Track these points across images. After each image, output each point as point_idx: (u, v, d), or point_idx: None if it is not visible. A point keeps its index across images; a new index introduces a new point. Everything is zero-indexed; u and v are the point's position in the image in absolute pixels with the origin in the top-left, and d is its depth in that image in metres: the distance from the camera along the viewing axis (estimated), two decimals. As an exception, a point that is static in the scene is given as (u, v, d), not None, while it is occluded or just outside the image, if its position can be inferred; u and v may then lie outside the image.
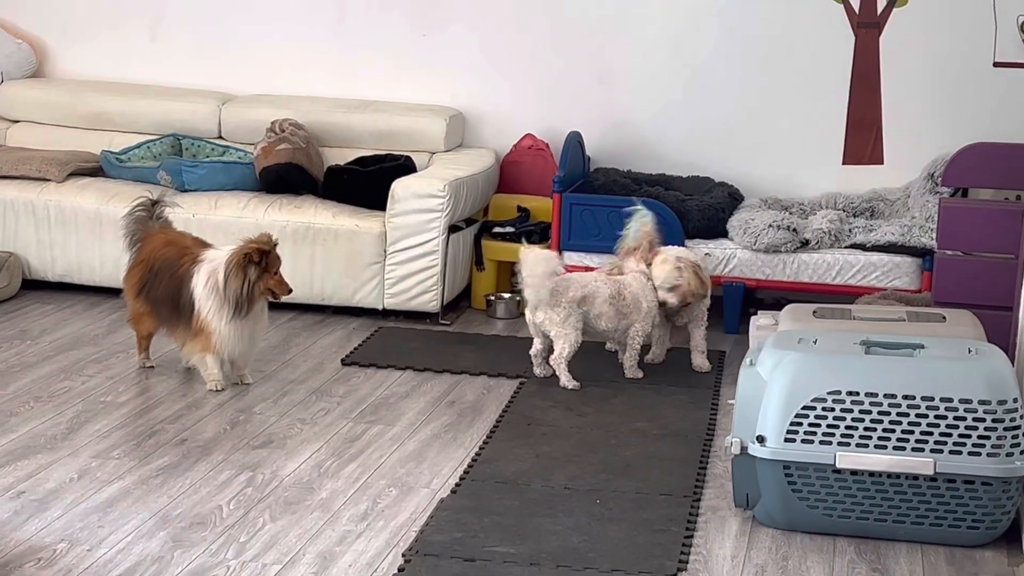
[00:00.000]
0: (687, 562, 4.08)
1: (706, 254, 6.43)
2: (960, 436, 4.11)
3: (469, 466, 4.77)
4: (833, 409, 4.18)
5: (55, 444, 4.86)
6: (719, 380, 5.76)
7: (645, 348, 5.88)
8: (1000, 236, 5.49)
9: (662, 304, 5.73)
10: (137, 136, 7.24)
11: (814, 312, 5.05)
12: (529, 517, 4.33)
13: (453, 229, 6.55)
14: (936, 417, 4.12)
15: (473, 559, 4.02)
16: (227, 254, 5.39)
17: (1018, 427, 4.10)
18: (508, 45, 7.21)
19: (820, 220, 6.44)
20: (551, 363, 5.61)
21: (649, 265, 5.74)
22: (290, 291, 5.50)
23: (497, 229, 6.85)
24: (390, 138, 7.07)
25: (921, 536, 4.23)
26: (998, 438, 4.09)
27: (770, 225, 6.36)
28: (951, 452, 4.12)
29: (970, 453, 4.11)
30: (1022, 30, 6.61)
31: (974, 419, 4.10)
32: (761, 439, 4.24)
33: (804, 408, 4.19)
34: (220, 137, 7.27)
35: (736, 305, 6.46)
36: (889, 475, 4.17)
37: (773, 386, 4.24)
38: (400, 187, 6.46)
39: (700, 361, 5.87)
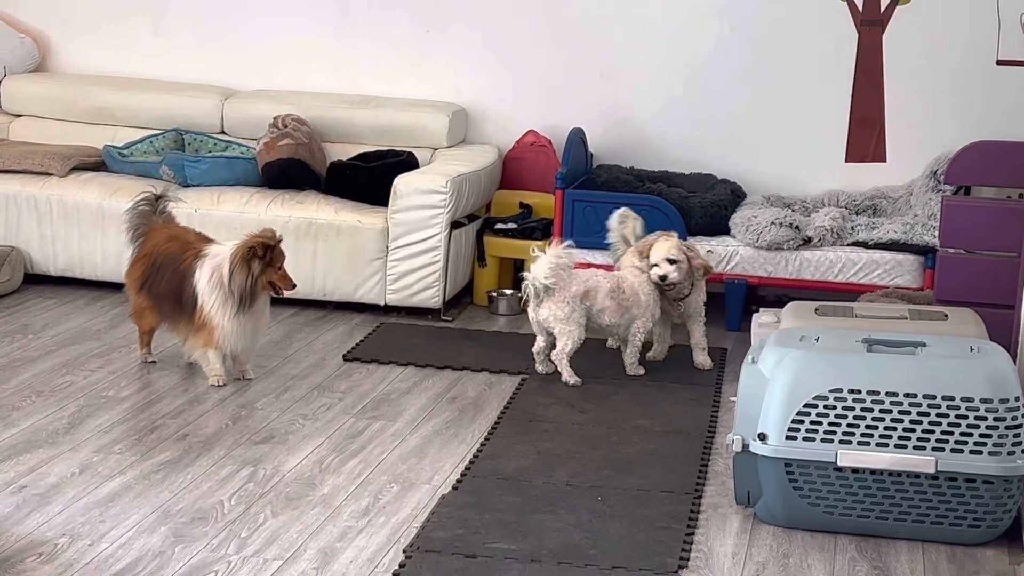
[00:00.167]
0: (688, 559, 4.08)
1: (708, 251, 6.42)
2: (962, 434, 4.11)
3: (470, 462, 4.77)
4: (835, 407, 4.18)
5: (57, 439, 4.86)
6: (721, 377, 5.76)
7: (647, 346, 5.88)
8: (1002, 234, 5.49)
9: (665, 286, 5.70)
10: (140, 131, 7.24)
11: (816, 310, 5.05)
12: (530, 514, 4.33)
13: (455, 225, 6.54)
14: (938, 415, 4.12)
15: (474, 555, 4.03)
16: (231, 249, 5.39)
17: (1020, 425, 4.10)
18: (511, 41, 7.21)
19: (822, 217, 6.44)
20: (553, 359, 5.61)
21: (644, 257, 5.74)
22: (294, 286, 5.50)
23: (499, 225, 6.84)
24: (393, 134, 7.07)
25: (922, 534, 4.23)
26: (1000, 436, 4.09)
27: (772, 222, 6.35)
28: (952, 450, 4.12)
29: (972, 451, 4.11)
30: (1026, 28, 6.61)
31: (976, 417, 4.10)
32: (763, 436, 4.24)
33: (806, 406, 4.19)
34: (223, 132, 7.27)
35: (738, 302, 6.46)
36: (890, 473, 4.17)
37: (775, 384, 4.24)
38: (402, 183, 6.46)
39: (702, 359, 5.87)
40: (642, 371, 5.74)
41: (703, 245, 6.44)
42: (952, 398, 4.11)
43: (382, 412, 5.27)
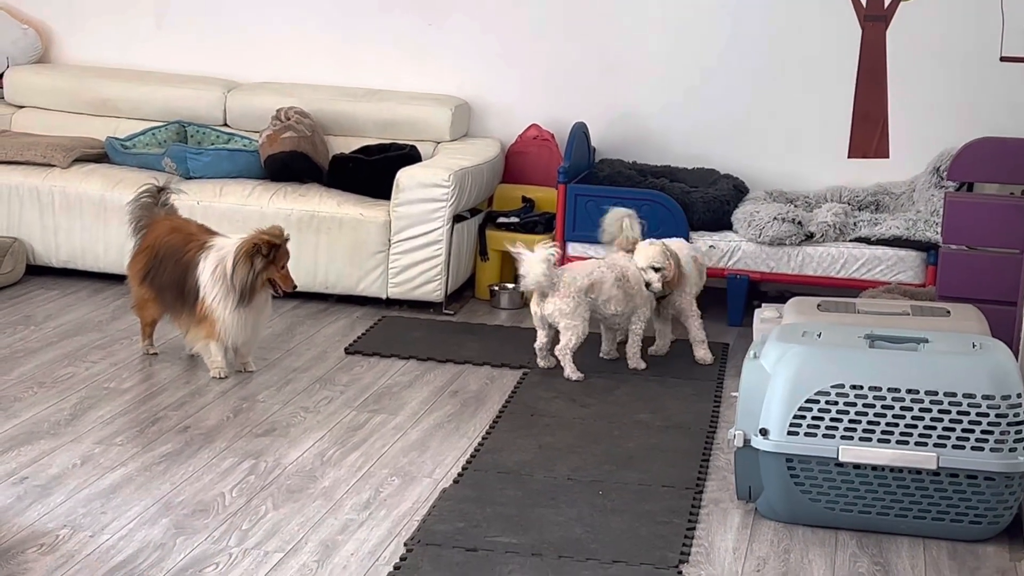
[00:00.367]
0: (689, 554, 4.08)
1: (710, 246, 6.42)
2: (963, 431, 4.11)
3: (472, 456, 4.77)
4: (836, 402, 4.17)
5: (58, 430, 4.86)
6: (722, 372, 5.75)
7: (649, 341, 5.88)
8: (1005, 231, 5.49)
9: (646, 285, 5.72)
10: (142, 123, 7.24)
11: (818, 305, 5.04)
12: (531, 508, 4.33)
13: (457, 219, 6.54)
14: (940, 411, 4.11)
15: (475, 549, 4.03)
16: (237, 243, 5.39)
17: (1021, 422, 4.09)
18: (514, 35, 7.20)
19: (825, 213, 6.43)
20: (556, 353, 5.61)
21: (631, 252, 5.75)
22: (294, 287, 5.50)
23: (502, 219, 6.84)
24: (395, 127, 7.07)
25: (923, 530, 4.23)
26: (1001, 433, 4.09)
27: (775, 218, 6.35)
28: (954, 447, 4.12)
29: (973, 448, 4.10)
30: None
31: (978, 414, 4.09)
32: (764, 432, 4.24)
33: (808, 401, 4.19)
34: (225, 124, 7.27)
35: (740, 298, 6.46)
36: (892, 469, 4.17)
37: (777, 379, 4.24)
38: (405, 176, 6.46)
39: (702, 353, 5.87)
40: (643, 365, 5.74)
41: (705, 240, 6.44)
42: (954, 394, 4.11)
43: (383, 405, 5.27)
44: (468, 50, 7.26)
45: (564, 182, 6.55)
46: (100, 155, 7.02)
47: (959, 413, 4.11)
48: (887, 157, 6.91)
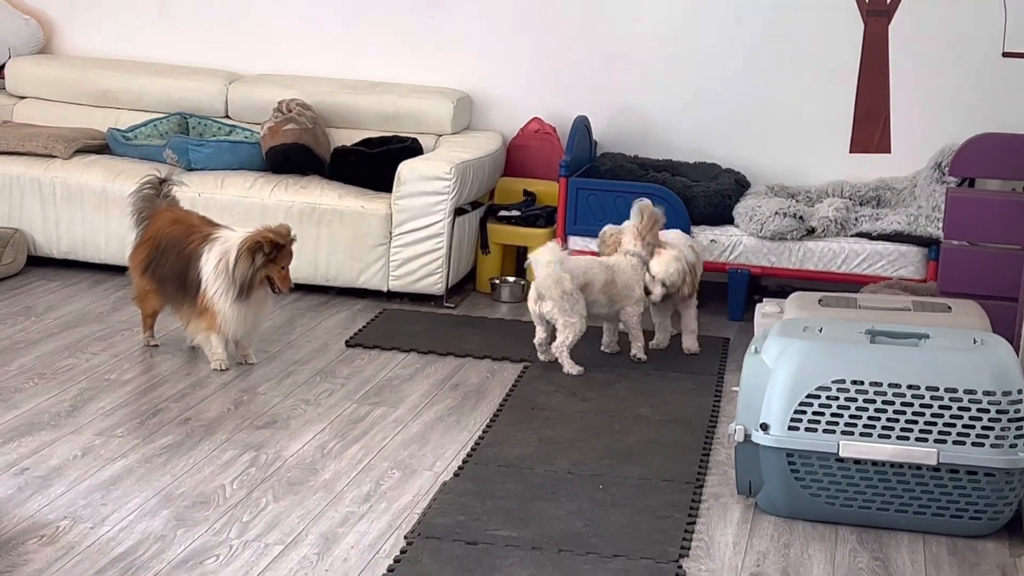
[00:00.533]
0: (689, 548, 4.08)
1: (711, 240, 6.42)
2: (964, 427, 4.11)
3: (472, 449, 4.77)
4: (837, 398, 4.18)
5: (59, 421, 4.86)
6: (723, 367, 5.75)
7: (649, 334, 5.88)
8: (1006, 227, 5.49)
9: (647, 292, 5.72)
10: (144, 114, 7.23)
11: (819, 300, 5.05)
12: (532, 501, 4.34)
13: (459, 212, 6.54)
14: (940, 407, 4.12)
15: (475, 542, 4.03)
16: (242, 237, 5.39)
17: (1022, 418, 4.09)
18: (516, 28, 7.20)
19: (826, 208, 6.43)
20: (553, 350, 5.61)
21: (647, 243, 5.72)
22: (291, 289, 5.49)
23: (503, 213, 6.84)
24: (397, 120, 7.06)
25: (923, 526, 4.24)
26: (1002, 429, 4.09)
27: (776, 212, 6.35)
28: (955, 442, 4.12)
29: (974, 444, 4.11)
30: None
31: (978, 410, 4.10)
32: (765, 427, 4.24)
33: (808, 396, 4.19)
34: (227, 116, 7.26)
35: (741, 292, 6.46)
36: (892, 464, 4.17)
37: (778, 374, 4.24)
38: (406, 169, 6.45)
39: (689, 343, 5.88)
40: (644, 357, 5.73)
41: (706, 234, 6.44)
42: (955, 390, 4.11)
43: (384, 398, 5.27)
44: (470, 43, 7.26)
45: (565, 175, 6.55)
46: (101, 146, 7.02)
47: (960, 409, 4.11)
48: (889, 152, 6.90)
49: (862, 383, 4.16)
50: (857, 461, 4.19)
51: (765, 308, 5.45)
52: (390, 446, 4.79)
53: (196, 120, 7.19)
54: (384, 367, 5.63)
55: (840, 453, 4.18)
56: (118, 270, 6.38)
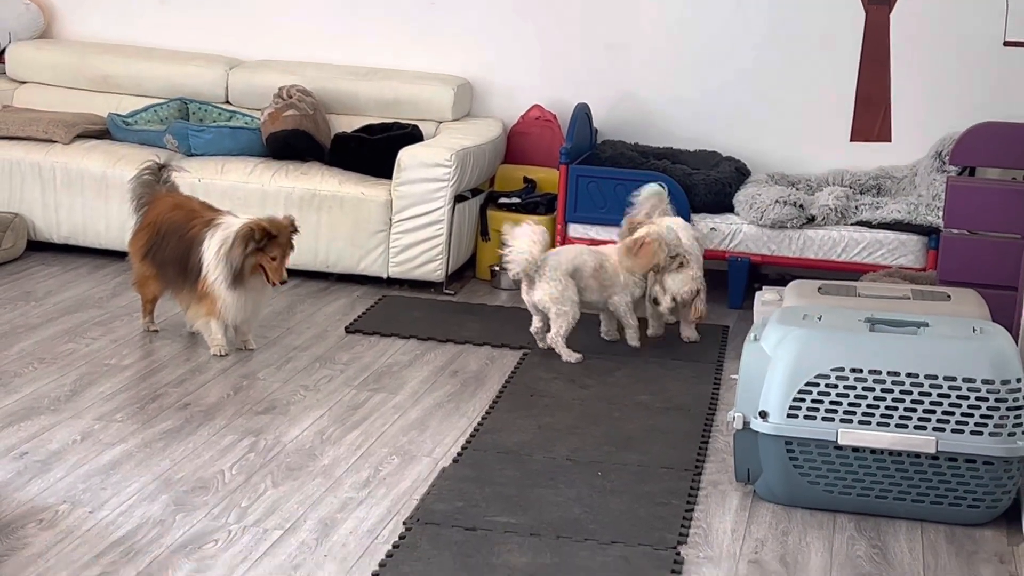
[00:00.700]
0: (687, 535, 4.09)
1: (712, 228, 6.42)
2: (963, 415, 4.11)
3: (471, 436, 4.78)
4: (836, 386, 4.18)
5: (58, 406, 4.87)
6: (722, 355, 5.76)
7: (646, 323, 5.88)
8: (1006, 215, 5.48)
9: (654, 302, 5.72)
10: (144, 99, 7.23)
11: (819, 288, 5.04)
12: (530, 488, 4.34)
13: (459, 199, 6.54)
14: (939, 395, 4.12)
15: (474, 528, 4.03)
16: (240, 223, 5.38)
17: (1021, 407, 4.10)
18: (517, 15, 7.18)
19: (826, 197, 6.43)
20: (549, 341, 5.61)
21: (668, 257, 5.68)
22: (283, 281, 5.41)
23: (503, 200, 6.84)
24: (397, 106, 7.06)
25: (921, 514, 4.24)
26: (1000, 417, 4.09)
27: (776, 201, 6.35)
28: (953, 431, 4.12)
29: (972, 432, 4.11)
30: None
31: (977, 398, 4.10)
32: (764, 414, 4.24)
33: (807, 384, 4.19)
34: (227, 102, 7.26)
35: (741, 280, 6.46)
36: (891, 453, 4.18)
37: (777, 362, 4.24)
38: (407, 156, 6.45)
39: (689, 332, 5.88)
40: (637, 344, 5.72)
41: (707, 222, 6.44)
42: (954, 378, 4.11)
43: (383, 384, 5.28)
44: (471, 30, 7.25)
45: (566, 163, 6.54)
46: (102, 131, 7.02)
47: (958, 397, 4.11)
48: (889, 141, 6.90)
49: (861, 371, 4.16)
50: (856, 449, 4.20)
51: (764, 296, 5.45)
52: (389, 432, 4.80)
53: (196, 106, 7.18)
54: (384, 353, 5.63)
55: (839, 441, 4.18)
56: (118, 255, 6.38)
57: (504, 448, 4.67)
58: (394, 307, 6.26)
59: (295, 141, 6.73)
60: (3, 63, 7.51)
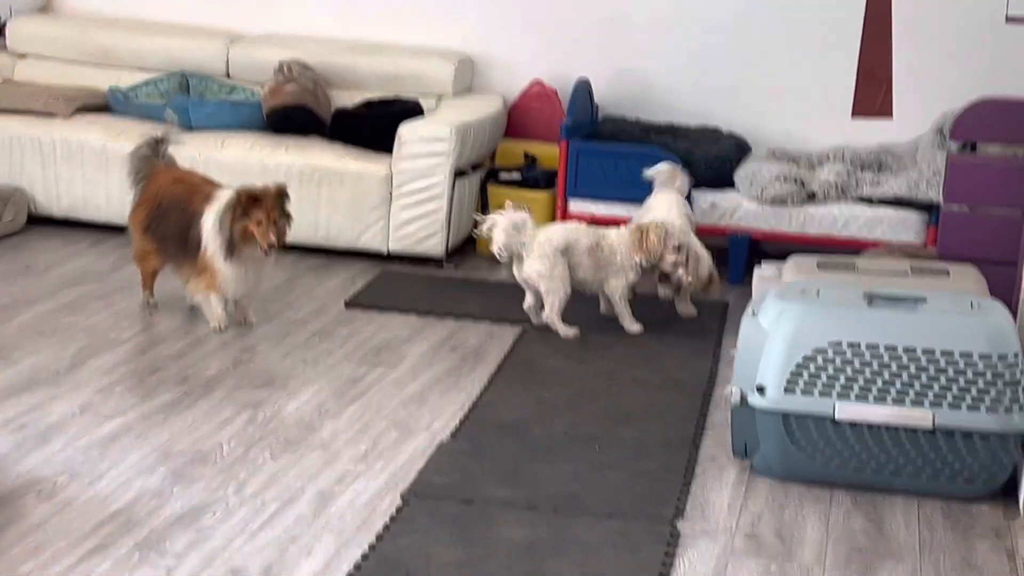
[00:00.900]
0: (684, 509, 4.10)
1: (712, 203, 6.42)
2: (960, 390, 4.12)
3: (470, 410, 4.78)
4: (833, 360, 4.18)
5: (58, 379, 4.88)
6: (721, 331, 5.76)
7: (645, 300, 5.88)
8: (1006, 191, 5.48)
9: (664, 276, 5.71)
10: (145, 73, 7.22)
11: (818, 264, 5.05)
12: (528, 462, 4.35)
13: (459, 174, 6.53)
14: (936, 370, 4.12)
15: (471, 501, 4.04)
16: (231, 192, 5.38)
17: (1018, 382, 4.10)
18: (519, -10, 7.18)
19: (827, 173, 6.42)
20: (544, 319, 5.61)
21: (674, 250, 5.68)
22: (271, 244, 5.31)
23: (503, 175, 6.83)
24: (398, 81, 7.05)
25: (918, 488, 4.25)
26: (997, 392, 4.10)
27: (777, 177, 6.34)
28: (950, 406, 4.12)
29: (969, 407, 4.11)
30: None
31: (974, 373, 4.10)
32: (761, 389, 4.25)
33: (804, 359, 4.20)
34: (228, 76, 7.25)
35: (741, 256, 6.46)
36: (888, 428, 4.18)
37: (774, 336, 4.24)
38: (407, 131, 6.45)
39: (684, 308, 5.88)
40: (638, 328, 5.71)
41: (707, 198, 6.43)
42: (951, 353, 4.11)
43: (383, 359, 5.28)
44: (472, 4, 7.23)
45: (566, 138, 6.54)
46: (102, 105, 7.02)
47: (956, 372, 4.11)
48: (891, 117, 6.89)
49: (859, 346, 4.17)
50: (853, 424, 4.20)
51: (763, 271, 5.45)
52: (388, 406, 4.81)
53: (197, 80, 7.18)
54: (383, 328, 5.64)
55: (836, 416, 4.19)
56: (118, 229, 6.39)
57: (502, 423, 4.67)
58: (394, 282, 6.26)
59: (296, 115, 6.73)
60: (4, 37, 7.50)
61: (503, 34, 7.22)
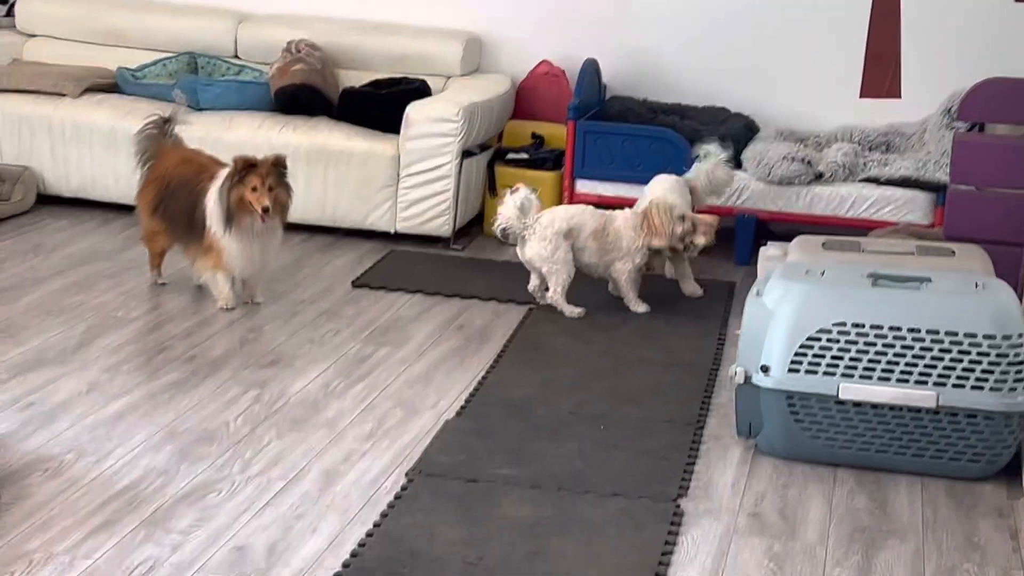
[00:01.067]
0: (688, 488, 4.11)
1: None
2: (964, 370, 4.12)
3: (475, 389, 4.80)
4: (838, 340, 4.18)
5: (65, 357, 4.90)
6: (727, 311, 5.76)
7: (652, 282, 5.88)
8: (1013, 172, 5.46)
9: (684, 246, 5.70)
10: (153, 53, 7.23)
11: (823, 244, 5.04)
12: (533, 441, 4.36)
13: (467, 154, 6.54)
14: (940, 350, 4.12)
15: (475, 480, 4.06)
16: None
17: (1022, 362, 4.10)
18: (527, -30, 7.17)
19: (835, 153, 6.42)
20: (549, 300, 5.61)
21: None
22: (266, 208, 5.28)
23: (511, 155, 6.84)
24: (406, 61, 7.05)
25: (921, 468, 4.25)
26: (1002, 372, 4.10)
27: (784, 157, 6.33)
28: (954, 386, 4.13)
29: (973, 387, 4.12)
30: (1046, -35, 6.54)
31: (978, 353, 4.10)
32: (765, 369, 4.25)
33: (809, 339, 4.20)
34: (236, 56, 7.26)
35: (748, 237, 6.46)
36: (891, 407, 4.19)
37: (779, 316, 4.25)
38: (414, 111, 6.45)
39: (689, 287, 5.89)
40: (643, 308, 5.71)
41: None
42: (955, 333, 4.11)
43: (389, 338, 5.30)
44: (480, -16, 7.24)
45: (574, 119, 6.54)
46: (111, 85, 7.02)
47: (960, 352, 4.12)
48: (899, 97, 6.87)
49: (863, 326, 4.17)
50: (856, 403, 4.21)
51: (769, 251, 5.44)
52: (394, 385, 4.82)
53: (205, 60, 7.18)
54: (390, 308, 5.65)
55: (840, 395, 4.19)
56: (127, 209, 6.39)
57: (508, 402, 4.69)
58: (401, 262, 6.27)
59: (303, 96, 6.73)
60: (13, 17, 7.51)
61: (511, 14, 7.22)
